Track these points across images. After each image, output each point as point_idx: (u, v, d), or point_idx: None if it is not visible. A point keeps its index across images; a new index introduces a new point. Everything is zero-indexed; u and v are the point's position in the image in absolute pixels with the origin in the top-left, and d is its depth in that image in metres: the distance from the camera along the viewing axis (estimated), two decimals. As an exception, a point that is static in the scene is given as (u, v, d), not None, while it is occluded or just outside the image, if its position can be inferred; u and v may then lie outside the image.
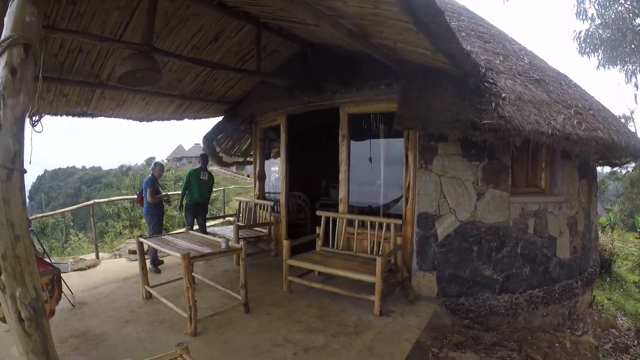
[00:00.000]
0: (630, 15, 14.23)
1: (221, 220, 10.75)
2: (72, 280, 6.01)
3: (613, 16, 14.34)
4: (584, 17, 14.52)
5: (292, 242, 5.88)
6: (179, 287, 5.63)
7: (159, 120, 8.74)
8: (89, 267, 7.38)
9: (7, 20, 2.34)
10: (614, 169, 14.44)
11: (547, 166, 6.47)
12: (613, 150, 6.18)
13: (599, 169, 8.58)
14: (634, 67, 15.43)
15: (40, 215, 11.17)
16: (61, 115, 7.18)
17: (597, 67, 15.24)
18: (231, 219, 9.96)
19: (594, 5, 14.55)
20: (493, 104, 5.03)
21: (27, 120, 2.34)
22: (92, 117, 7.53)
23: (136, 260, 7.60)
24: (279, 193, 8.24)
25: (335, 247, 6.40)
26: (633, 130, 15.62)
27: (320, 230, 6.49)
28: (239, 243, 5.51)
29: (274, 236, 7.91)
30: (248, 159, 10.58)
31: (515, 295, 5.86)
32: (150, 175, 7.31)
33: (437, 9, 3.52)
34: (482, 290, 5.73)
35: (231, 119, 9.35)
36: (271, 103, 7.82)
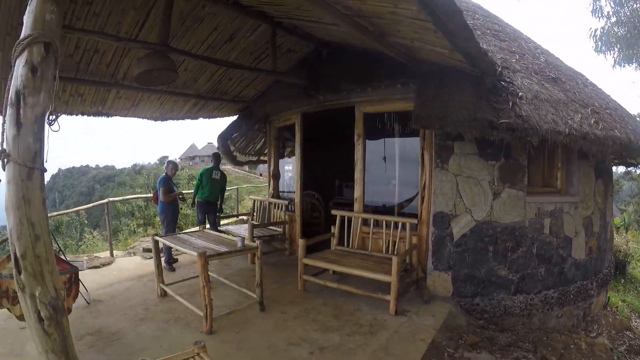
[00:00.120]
0: (646, 12, 14.03)
1: (234, 218, 10.73)
2: (87, 278, 6.00)
3: (628, 13, 14.11)
4: (600, 15, 14.31)
5: (308, 241, 5.83)
6: (193, 285, 5.63)
7: (173, 119, 8.71)
8: (103, 265, 7.38)
9: (27, 18, 2.31)
10: (629, 168, 14.19)
11: (564, 166, 6.38)
12: (630, 149, 6.09)
13: (613, 168, 8.42)
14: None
15: (56, 213, 11.22)
16: (76, 115, 7.17)
17: (613, 65, 15.05)
18: (244, 217, 9.95)
19: (609, 3, 14.33)
20: (510, 103, 4.96)
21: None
22: (108, 116, 7.52)
23: (150, 258, 7.63)
24: (293, 192, 8.20)
25: (350, 246, 6.35)
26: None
27: (335, 230, 6.43)
28: (254, 242, 5.47)
29: (288, 235, 7.86)
30: (262, 158, 10.59)
31: (530, 296, 5.79)
32: (164, 174, 7.30)
33: (456, 8, 3.45)
34: (497, 290, 5.66)
35: (246, 118, 9.30)
36: (286, 102, 7.78)
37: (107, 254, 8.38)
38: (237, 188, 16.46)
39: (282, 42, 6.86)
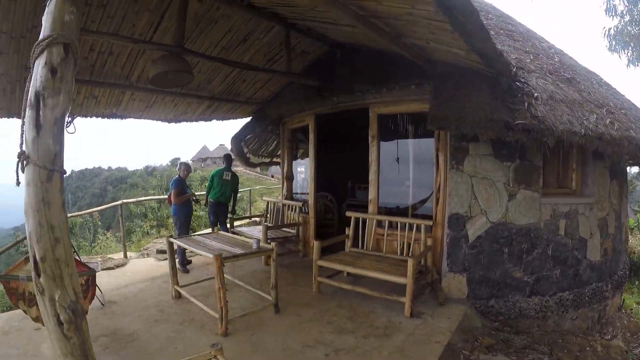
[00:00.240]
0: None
1: (247, 220, 10.68)
2: (101, 279, 5.96)
3: (643, 12, 13.94)
4: (614, 14, 14.13)
5: (322, 243, 5.77)
6: (207, 287, 5.60)
7: (187, 121, 8.69)
8: (117, 267, 7.37)
9: (46, 19, 2.27)
10: (644, 169, 14.00)
11: (578, 166, 6.27)
12: (646, 150, 5.94)
13: (627, 169, 8.29)
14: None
15: (70, 215, 11.22)
16: (91, 117, 7.17)
17: (627, 64, 14.85)
18: (257, 219, 9.90)
19: (623, 1, 14.13)
20: (526, 104, 4.88)
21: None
22: (122, 118, 7.51)
23: (164, 259, 7.62)
24: (306, 193, 8.14)
25: (364, 248, 6.27)
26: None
27: (350, 231, 6.35)
28: (268, 243, 5.42)
29: (302, 237, 7.80)
30: (274, 159, 10.54)
31: (545, 297, 5.69)
32: (177, 176, 7.26)
33: (473, 8, 3.41)
34: (512, 292, 5.56)
35: (259, 120, 9.26)
36: (300, 104, 7.71)
37: (120, 255, 8.37)
38: (250, 190, 16.45)
39: (296, 44, 6.82)
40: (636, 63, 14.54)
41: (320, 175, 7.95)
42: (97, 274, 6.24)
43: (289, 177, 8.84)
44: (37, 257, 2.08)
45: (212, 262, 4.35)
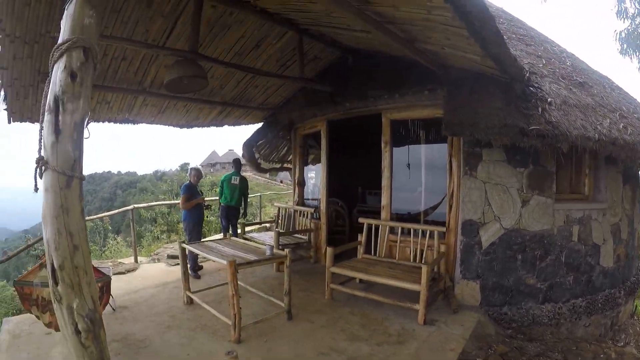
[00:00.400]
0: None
1: (257, 226, 10.59)
2: (112, 284, 5.90)
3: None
4: (625, 16, 13.98)
5: (335, 250, 5.69)
6: (219, 293, 5.54)
7: (199, 126, 8.65)
8: (128, 271, 7.32)
9: (65, 23, 2.21)
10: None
11: (591, 172, 6.19)
12: (660, 155, 5.85)
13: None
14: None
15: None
16: (103, 122, 7.16)
17: (639, 67, 14.71)
18: (267, 225, 9.84)
19: (635, 4, 13.97)
20: (540, 109, 4.81)
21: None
22: (134, 123, 7.49)
23: (175, 265, 7.57)
24: (316, 199, 8.08)
25: (377, 254, 6.18)
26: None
27: (362, 238, 6.27)
28: (280, 250, 5.36)
29: (314, 243, 7.73)
30: (285, 165, 10.49)
31: (558, 304, 5.60)
32: (187, 181, 7.21)
33: (489, 14, 3.38)
34: (525, 299, 5.48)
35: (271, 125, 9.20)
36: (312, 109, 7.66)
37: (131, 259, 8.32)
38: (260, 195, 16.38)
39: (309, 49, 6.79)
40: (648, 66, 14.43)
41: (332, 181, 7.89)
42: (109, 279, 6.23)
43: (301, 183, 8.76)
44: (55, 265, 2.02)
45: (223, 268, 4.30)
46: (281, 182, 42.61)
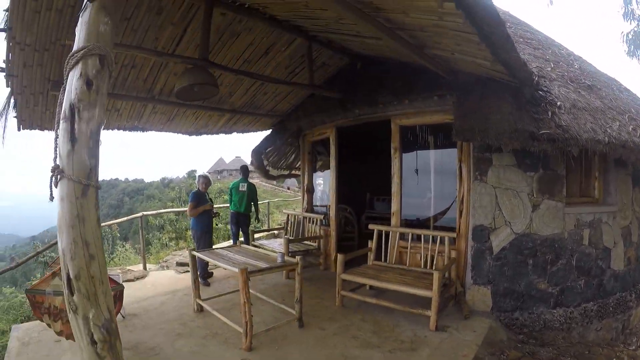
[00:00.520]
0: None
1: (266, 233, 10.50)
2: (122, 292, 5.91)
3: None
4: (631, 18, 13.92)
5: (346, 257, 5.63)
6: (230, 301, 5.49)
7: (208, 134, 8.60)
8: (137, 279, 7.26)
9: (80, 30, 2.18)
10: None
11: (601, 175, 6.14)
12: (670, 157, 5.79)
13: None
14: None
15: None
16: (113, 130, 7.12)
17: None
18: (275, 231, 9.78)
19: (642, 6, 13.92)
20: (549, 113, 4.76)
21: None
22: (143, 130, 7.44)
23: (184, 272, 7.53)
24: (325, 206, 8.02)
25: (387, 261, 6.10)
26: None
27: (373, 244, 6.20)
28: (291, 257, 5.31)
29: (323, 250, 7.66)
30: (293, 171, 10.47)
31: (569, 309, 5.53)
32: (196, 188, 7.17)
33: (500, 20, 3.35)
34: (536, 304, 5.40)
35: (279, 132, 9.15)
36: (320, 116, 7.60)
37: (140, 267, 8.26)
38: (268, 202, 16.33)
39: (317, 56, 6.77)
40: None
41: (340, 188, 7.84)
42: (120, 287, 6.19)
43: (309, 190, 8.70)
44: (71, 275, 1.97)
45: (232, 275, 4.25)
46: (288, 188, 42.49)
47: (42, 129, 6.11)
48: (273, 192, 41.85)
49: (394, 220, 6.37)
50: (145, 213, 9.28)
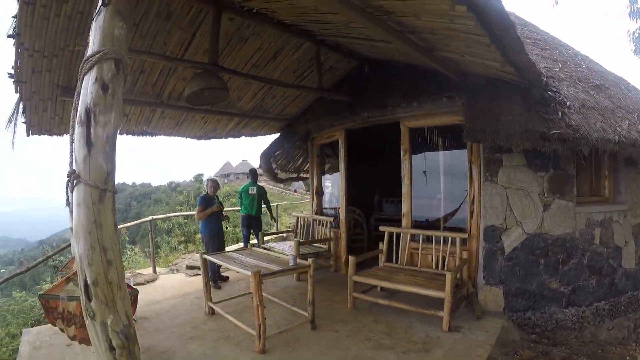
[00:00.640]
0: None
1: (275, 235, 10.45)
2: (133, 295, 5.88)
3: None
4: (637, 17, 13.80)
5: (357, 259, 5.57)
6: (240, 304, 5.46)
7: (217, 138, 8.57)
8: (147, 282, 7.24)
9: (94, 34, 2.15)
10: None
11: (610, 173, 6.07)
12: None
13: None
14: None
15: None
16: (121, 134, 7.07)
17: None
18: (284, 234, 9.74)
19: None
20: (559, 113, 4.71)
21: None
22: (152, 135, 7.42)
23: (194, 275, 7.50)
24: (334, 208, 7.98)
25: (399, 262, 6.04)
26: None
27: (384, 246, 6.14)
28: (303, 259, 5.27)
29: (333, 252, 7.61)
30: (301, 175, 10.44)
31: (581, 308, 5.47)
32: (204, 192, 7.15)
33: (510, 22, 3.32)
34: (548, 304, 5.34)
35: (288, 135, 9.12)
36: (329, 119, 7.57)
37: (149, 270, 8.24)
38: (276, 205, 16.30)
39: (325, 60, 6.74)
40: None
41: (350, 190, 7.79)
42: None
43: (319, 193, 8.66)
44: (89, 281, 1.94)
45: (243, 278, 4.21)
46: (295, 191, 42.47)
47: (51, 134, 6.11)
48: (280, 195, 41.81)
49: (404, 221, 6.32)
50: (154, 217, 9.25)
